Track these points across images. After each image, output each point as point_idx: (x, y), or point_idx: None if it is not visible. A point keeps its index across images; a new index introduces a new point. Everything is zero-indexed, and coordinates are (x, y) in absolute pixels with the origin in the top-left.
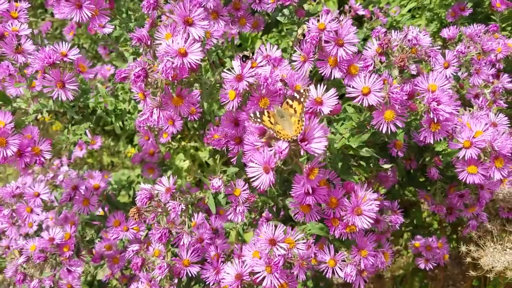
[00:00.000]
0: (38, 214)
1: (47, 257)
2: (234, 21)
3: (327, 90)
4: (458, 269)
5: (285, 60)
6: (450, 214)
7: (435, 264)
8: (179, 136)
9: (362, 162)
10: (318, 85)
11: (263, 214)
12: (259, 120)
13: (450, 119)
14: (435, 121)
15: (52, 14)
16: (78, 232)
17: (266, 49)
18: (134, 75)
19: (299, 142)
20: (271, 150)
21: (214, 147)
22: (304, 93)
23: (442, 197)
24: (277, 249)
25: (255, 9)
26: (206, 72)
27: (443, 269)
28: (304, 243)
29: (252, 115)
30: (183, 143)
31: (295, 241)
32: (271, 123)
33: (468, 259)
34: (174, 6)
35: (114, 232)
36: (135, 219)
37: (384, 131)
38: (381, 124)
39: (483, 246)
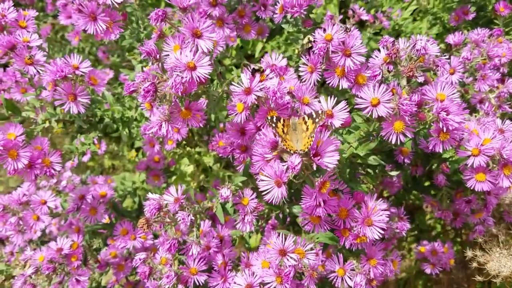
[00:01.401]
0: (44, 222)
1: (56, 268)
2: (239, 28)
3: (337, 102)
4: (463, 273)
5: (291, 69)
6: (456, 220)
7: (441, 269)
8: (184, 142)
9: (369, 170)
10: (329, 98)
11: (269, 221)
12: (273, 124)
13: (459, 128)
14: (444, 130)
15: (54, 17)
16: (85, 241)
17: (271, 58)
18: (144, 90)
19: (312, 157)
20: (283, 165)
21: (220, 154)
22: (320, 115)
23: (448, 202)
24: (288, 259)
25: (260, 16)
26: (212, 81)
27: (447, 273)
28: (314, 253)
29: (269, 118)
30: (188, 148)
31: (305, 251)
32: (283, 131)
33: (475, 264)
34: (182, 18)
35: (122, 241)
36: (144, 230)
37: (393, 142)
38: (390, 135)
39: (489, 251)
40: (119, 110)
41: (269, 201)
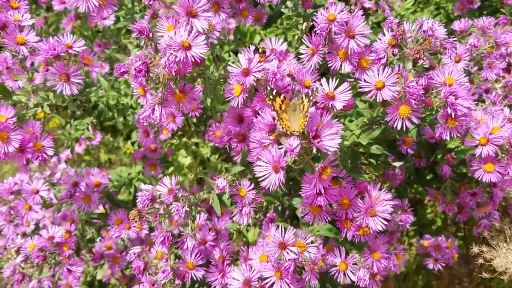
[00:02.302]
0: (37, 212)
1: (46, 256)
2: (235, 14)
3: (339, 84)
4: (465, 268)
5: (291, 54)
6: (460, 213)
7: (444, 264)
8: (179, 132)
9: (372, 160)
10: (330, 79)
11: (268, 214)
12: (271, 97)
13: (468, 114)
14: (453, 116)
15: (47, 9)
16: (78, 231)
17: (271, 42)
18: (135, 69)
19: (311, 139)
20: (281, 148)
21: (216, 144)
22: (314, 92)
23: (452, 195)
24: (288, 253)
25: (258, 1)
26: (208, 66)
27: (449, 268)
28: (315, 246)
29: (268, 89)
30: (184, 139)
31: (306, 244)
32: (280, 108)
33: (481, 260)
34: None
35: (116, 230)
36: (136, 222)
37: (398, 128)
38: (395, 120)
39: (495, 246)
40: (114, 96)
41: (266, 188)
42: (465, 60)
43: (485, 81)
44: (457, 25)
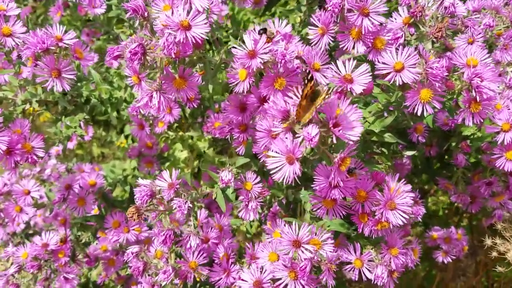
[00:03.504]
0: (27, 214)
1: (42, 265)
2: None
3: (357, 65)
4: (472, 260)
5: (296, 36)
6: (473, 203)
7: (454, 257)
8: (175, 125)
9: (383, 149)
10: (347, 60)
11: (271, 209)
12: (307, 81)
13: (493, 98)
14: (477, 100)
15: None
16: (73, 235)
17: (274, 24)
18: (130, 52)
19: (331, 128)
20: (297, 137)
21: (216, 136)
22: (328, 94)
23: (464, 185)
24: (303, 252)
25: None
26: (207, 50)
27: (455, 260)
28: (331, 243)
29: (306, 71)
30: (180, 132)
31: (321, 241)
32: (306, 96)
33: (494, 253)
34: None
35: (114, 234)
36: (135, 220)
37: (419, 113)
38: (416, 105)
39: (509, 238)
40: (106, 90)
41: (279, 181)
42: (478, 41)
43: (497, 64)
44: (470, 4)
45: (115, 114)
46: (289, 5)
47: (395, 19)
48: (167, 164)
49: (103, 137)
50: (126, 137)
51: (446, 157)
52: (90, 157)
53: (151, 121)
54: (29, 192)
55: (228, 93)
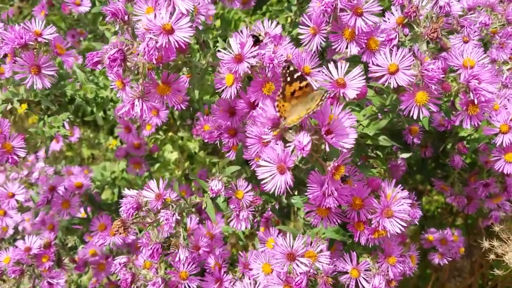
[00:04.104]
0: (12, 217)
1: (24, 270)
2: None
3: (350, 69)
4: (467, 261)
5: (286, 37)
6: (469, 205)
7: (450, 259)
8: (164, 127)
9: (378, 152)
10: (339, 64)
11: (264, 214)
12: (288, 77)
13: (491, 100)
14: (475, 102)
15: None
16: (58, 239)
17: (263, 25)
18: (109, 58)
19: (324, 135)
20: (288, 146)
21: (205, 140)
22: (322, 100)
23: (461, 186)
24: (298, 265)
25: None
26: (194, 53)
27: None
28: (327, 255)
29: (289, 68)
30: (170, 134)
31: (317, 253)
32: (292, 94)
33: (492, 256)
34: None
35: (100, 237)
36: (120, 233)
37: (415, 117)
38: (411, 108)
39: (507, 240)
40: (92, 89)
41: (270, 192)
42: (473, 40)
43: (493, 63)
44: (465, 2)
45: (101, 114)
46: (279, 5)
47: (388, 19)
48: (157, 165)
49: (92, 138)
50: (116, 138)
51: (441, 158)
52: (80, 159)
53: (138, 124)
54: (13, 195)
55: (218, 95)
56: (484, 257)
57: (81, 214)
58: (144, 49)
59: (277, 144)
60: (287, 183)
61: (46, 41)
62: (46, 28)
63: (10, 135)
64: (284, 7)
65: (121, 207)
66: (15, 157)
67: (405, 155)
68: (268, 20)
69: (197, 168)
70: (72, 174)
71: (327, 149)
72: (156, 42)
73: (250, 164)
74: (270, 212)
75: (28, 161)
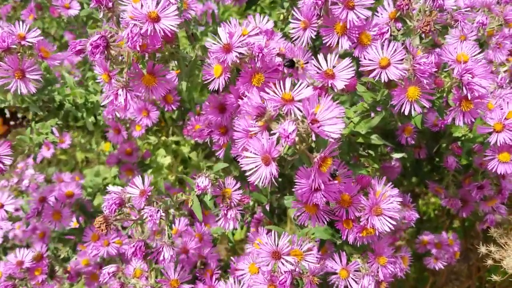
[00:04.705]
0: (2, 228)
1: (16, 285)
2: None
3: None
4: (464, 264)
5: (278, 33)
6: (464, 207)
7: (445, 263)
8: (155, 128)
9: (370, 151)
10: (329, 55)
11: (255, 215)
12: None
13: (485, 96)
14: (469, 97)
15: None
16: (50, 251)
17: (255, 20)
18: (91, 45)
19: (310, 124)
20: (272, 135)
21: (196, 139)
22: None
23: (455, 189)
24: (283, 263)
25: None
26: (183, 46)
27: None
28: (313, 254)
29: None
30: (163, 138)
31: (303, 252)
32: None
33: (490, 262)
34: None
35: (94, 248)
36: (102, 230)
37: (406, 113)
38: (403, 103)
39: (504, 245)
40: (81, 94)
41: (254, 184)
42: (470, 39)
43: (489, 64)
44: (462, 1)
45: (91, 119)
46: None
47: (381, 14)
48: (150, 171)
49: (82, 144)
50: (109, 141)
51: (436, 159)
52: (74, 162)
53: (127, 125)
54: (2, 206)
55: (208, 92)
56: (481, 261)
57: (73, 223)
58: (128, 35)
59: (262, 134)
60: (272, 174)
61: (30, 44)
62: (30, 31)
63: None
64: (276, 4)
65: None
66: (1, 165)
67: (398, 155)
68: (260, 15)
69: (191, 172)
70: (62, 181)
71: (313, 138)
72: (140, 29)
73: (238, 160)
74: (262, 214)
75: (18, 168)
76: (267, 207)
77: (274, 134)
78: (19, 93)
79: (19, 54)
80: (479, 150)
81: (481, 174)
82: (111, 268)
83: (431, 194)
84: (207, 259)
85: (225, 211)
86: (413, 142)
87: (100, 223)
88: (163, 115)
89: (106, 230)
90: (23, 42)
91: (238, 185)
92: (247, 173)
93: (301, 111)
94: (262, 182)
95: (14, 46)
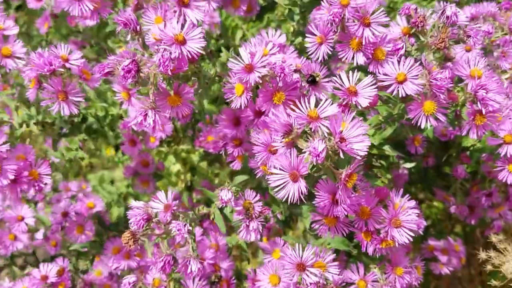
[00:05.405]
0: (22, 241)
1: None
2: (226, 4)
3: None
4: (467, 270)
5: (290, 46)
6: (471, 214)
7: (452, 269)
8: (168, 139)
9: (382, 162)
10: (350, 71)
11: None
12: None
13: (498, 110)
14: (483, 112)
15: (17, 9)
16: (71, 264)
17: (267, 35)
18: (123, 69)
19: (338, 143)
20: (301, 152)
21: (209, 150)
22: None
23: (463, 196)
24: (308, 276)
25: None
26: (204, 62)
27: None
28: (336, 265)
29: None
30: (174, 146)
31: (326, 263)
32: None
33: (489, 267)
34: None
35: (115, 261)
36: (130, 246)
37: (423, 126)
38: (419, 117)
39: (503, 251)
40: (102, 107)
41: (284, 200)
42: (476, 49)
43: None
44: (468, 11)
45: (111, 133)
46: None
47: (393, 29)
48: (160, 182)
49: (92, 150)
50: (116, 147)
51: (444, 167)
52: (78, 167)
53: (141, 137)
54: (23, 219)
55: (218, 104)
56: (482, 265)
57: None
58: (159, 60)
59: (289, 151)
60: (300, 190)
61: (74, 67)
62: (72, 53)
63: (36, 162)
64: (286, 16)
65: (129, 222)
66: (41, 184)
67: (409, 165)
68: (272, 30)
69: (199, 179)
70: (69, 190)
71: (341, 156)
72: (171, 53)
73: (256, 173)
74: (272, 222)
75: None
76: (279, 216)
77: (303, 151)
78: (62, 114)
79: (61, 75)
80: (488, 159)
81: (489, 182)
82: (132, 278)
83: (433, 199)
84: (222, 269)
85: (247, 223)
86: (421, 151)
87: (128, 239)
88: (174, 126)
89: (134, 246)
90: (66, 64)
91: (258, 196)
92: (275, 190)
93: (327, 129)
94: (291, 199)
95: (61, 70)
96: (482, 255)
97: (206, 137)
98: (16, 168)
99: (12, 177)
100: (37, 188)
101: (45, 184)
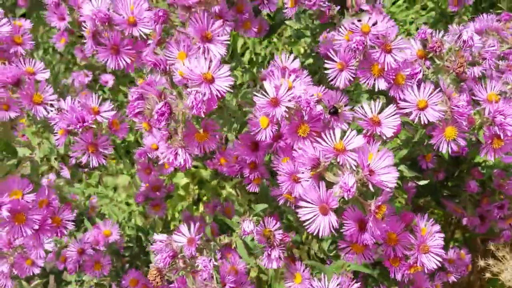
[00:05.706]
0: (40, 267)
1: None
2: (238, 26)
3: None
4: (466, 276)
5: (304, 71)
6: (482, 225)
7: (458, 277)
8: None
9: (399, 182)
10: (372, 101)
11: None
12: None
13: None
14: (501, 137)
15: (23, 16)
16: None
17: (281, 60)
18: (158, 113)
19: (367, 176)
20: (330, 186)
21: (225, 173)
22: None
23: (473, 208)
24: None
25: (260, 10)
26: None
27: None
28: None
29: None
30: None
31: None
32: None
33: (488, 274)
34: (185, 18)
35: None
36: (158, 283)
37: (444, 151)
38: (441, 142)
39: (502, 259)
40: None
41: (314, 233)
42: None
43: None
44: (472, 25)
45: (127, 161)
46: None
47: (408, 52)
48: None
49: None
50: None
51: (452, 182)
52: (81, 173)
53: (155, 165)
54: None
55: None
56: (481, 273)
57: None
58: (192, 103)
59: (317, 184)
60: (331, 223)
61: (104, 120)
62: (102, 105)
63: (59, 207)
64: (295, 38)
65: (146, 254)
66: (64, 231)
67: (422, 183)
68: (286, 54)
69: (207, 193)
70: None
71: (371, 189)
72: (203, 95)
73: (278, 199)
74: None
75: None
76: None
77: (332, 184)
78: (90, 165)
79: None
80: (500, 175)
81: (498, 194)
82: None
83: (434, 205)
84: None
85: (269, 252)
86: (432, 166)
87: (155, 276)
88: None
89: (161, 282)
90: (98, 118)
91: (279, 224)
92: (305, 224)
93: (355, 161)
94: (322, 232)
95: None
96: (481, 263)
97: (219, 160)
98: (41, 218)
99: (37, 226)
100: (59, 234)
101: (67, 229)
